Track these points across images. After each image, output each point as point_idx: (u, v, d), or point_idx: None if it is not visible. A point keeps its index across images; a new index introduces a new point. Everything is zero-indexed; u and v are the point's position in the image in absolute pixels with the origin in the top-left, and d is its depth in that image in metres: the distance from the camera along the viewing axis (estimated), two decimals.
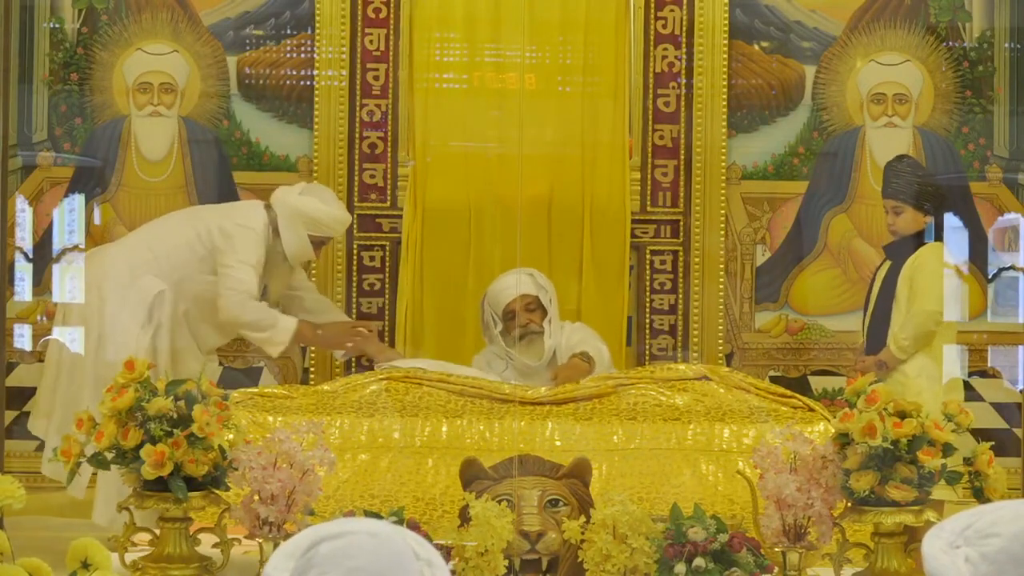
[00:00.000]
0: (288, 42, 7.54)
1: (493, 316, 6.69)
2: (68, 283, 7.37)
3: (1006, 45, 7.54)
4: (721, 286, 7.46)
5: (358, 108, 7.43)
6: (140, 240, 6.68)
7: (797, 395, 6.21)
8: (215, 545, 5.07)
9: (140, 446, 4.92)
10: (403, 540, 2.38)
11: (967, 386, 7.45)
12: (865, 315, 6.66)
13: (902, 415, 4.95)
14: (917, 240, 6.54)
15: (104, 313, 6.44)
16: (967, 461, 5.15)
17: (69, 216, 7.50)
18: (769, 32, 7.59)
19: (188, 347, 6.55)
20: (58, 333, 6.65)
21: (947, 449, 4.98)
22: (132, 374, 5.04)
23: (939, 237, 6.89)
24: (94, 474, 5.79)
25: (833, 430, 5.12)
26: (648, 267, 7.46)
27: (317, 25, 7.44)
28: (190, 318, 6.52)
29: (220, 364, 7.03)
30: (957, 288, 7.52)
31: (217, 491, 5.08)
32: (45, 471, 6.17)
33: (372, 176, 7.44)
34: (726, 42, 7.45)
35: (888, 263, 6.60)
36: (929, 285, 6.43)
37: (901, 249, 6.54)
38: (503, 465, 5.27)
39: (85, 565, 4.85)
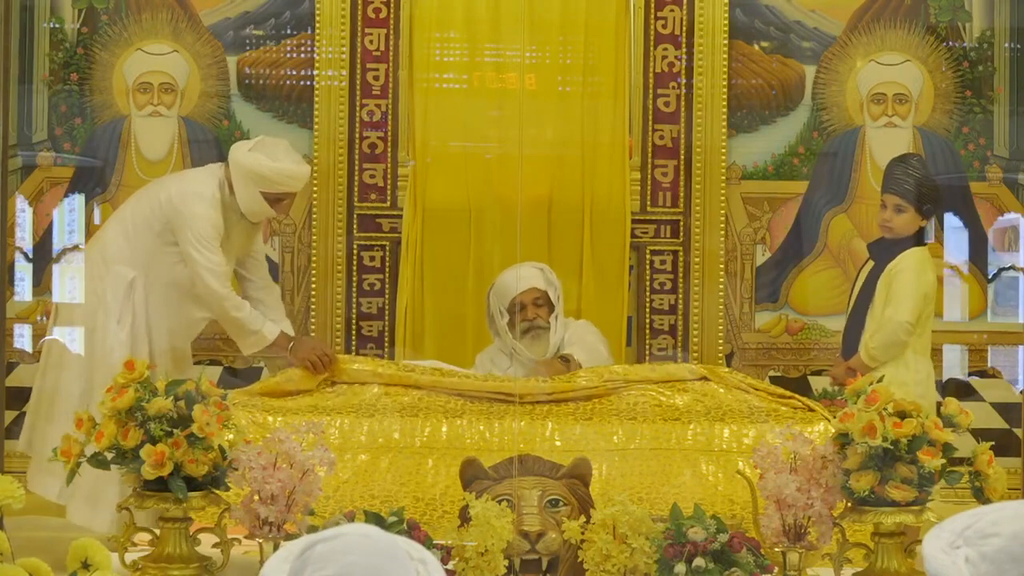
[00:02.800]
0: (288, 42, 7.55)
1: (500, 308, 6.66)
2: (68, 283, 7.37)
3: (1006, 45, 7.54)
4: (721, 286, 7.46)
5: (358, 108, 7.43)
6: (113, 228, 6.51)
7: (796, 396, 6.20)
8: (215, 545, 5.07)
9: (140, 446, 4.92)
10: (395, 542, 2.41)
11: (968, 388, 7.46)
12: (847, 315, 6.62)
13: (902, 415, 4.95)
14: (905, 242, 6.45)
15: (85, 312, 6.38)
16: (967, 462, 5.15)
17: (69, 216, 7.50)
18: (769, 32, 7.59)
19: (170, 335, 6.47)
20: (57, 334, 6.64)
21: (947, 449, 4.98)
22: (132, 374, 5.04)
23: (936, 239, 6.88)
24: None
25: (833, 430, 5.12)
26: (648, 267, 7.46)
27: (317, 25, 7.44)
28: (167, 301, 6.37)
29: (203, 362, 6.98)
30: (957, 288, 7.52)
31: (217, 491, 5.08)
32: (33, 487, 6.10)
33: (372, 176, 7.45)
34: (726, 42, 7.45)
35: (872, 263, 6.52)
36: (903, 294, 6.31)
37: (887, 250, 6.45)
38: (503, 465, 5.27)
39: (85, 565, 4.86)
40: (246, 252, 6.56)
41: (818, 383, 7.46)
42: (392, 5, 7.42)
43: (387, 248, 7.45)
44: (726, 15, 7.44)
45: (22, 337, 7.42)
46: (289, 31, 7.54)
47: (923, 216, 6.43)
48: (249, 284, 6.60)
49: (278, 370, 6.46)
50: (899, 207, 6.39)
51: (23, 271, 7.44)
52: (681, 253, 7.47)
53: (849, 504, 5.04)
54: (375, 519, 5.02)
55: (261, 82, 7.54)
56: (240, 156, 6.40)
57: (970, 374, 7.51)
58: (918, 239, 6.45)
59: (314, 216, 7.43)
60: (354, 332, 7.40)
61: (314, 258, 7.43)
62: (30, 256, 7.46)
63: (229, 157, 6.45)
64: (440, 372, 6.25)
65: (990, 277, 7.56)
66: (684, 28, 7.43)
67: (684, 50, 7.44)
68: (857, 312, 6.45)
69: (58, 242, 7.47)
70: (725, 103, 7.45)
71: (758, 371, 7.43)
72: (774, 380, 7.27)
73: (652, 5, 7.42)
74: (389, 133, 7.44)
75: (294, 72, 7.53)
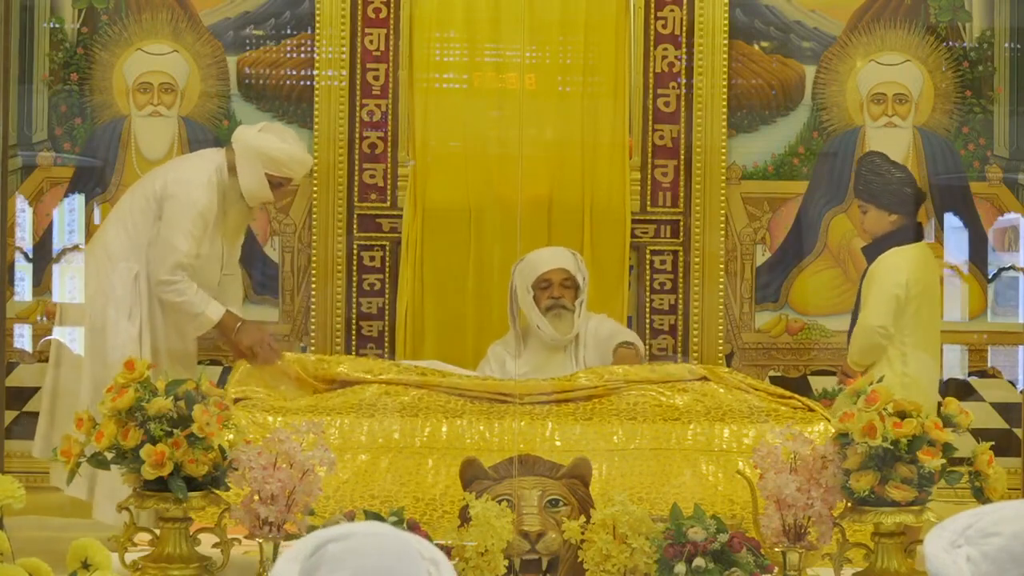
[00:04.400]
0: (288, 42, 7.55)
1: (526, 284, 6.65)
2: (68, 283, 7.37)
3: (1006, 45, 7.54)
4: (721, 286, 7.46)
5: (358, 108, 7.43)
6: (113, 224, 6.56)
7: (796, 396, 6.20)
8: (215, 545, 5.07)
9: (140, 446, 4.92)
10: (407, 541, 2.40)
11: (968, 388, 7.46)
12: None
13: (902, 415, 4.95)
14: (889, 241, 6.44)
15: (92, 311, 6.38)
16: (967, 462, 5.15)
17: (69, 216, 7.50)
18: (769, 32, 7.59)
19: (173, 329, 6.46)
20: (57, 334, 6.64)
21: (947, 449, 4.98)
22: (132, 374, 5.04)
23: (937, 239, 6.87)
24: None
25: (833, 430, 5.12)
26: (648, 267, 7.46)
27: (317, 25, 7.44)
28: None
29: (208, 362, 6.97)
30: (957, 288, 7.52)
31: (217, 491, 5.08)
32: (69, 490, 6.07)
33: (372, 176, 7.44)
34: (726, 42, 7.45)
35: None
36: (875, 298, 6.31)
37: (874, 252, 6.47)
38: (503, 465, 5.27)
39: (85, 565, 4.85)
40: (237, 237, 6.60)
41: (818, 383, 7.46)
42: (392, 5, 7.42)
43: (387, 248, 7.45)
44: (726, 15, 7.44)
45: (22, 337, 7.42)
46: (289, 31, 7.54)
47: (889, 212, 6.43)
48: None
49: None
50: (861, 207, 6.47)
51: (23, 271, 7.44)
52: (681, 253, 7.47)
53: (849, 504, 5.04)
54: (375, 519, 5.02)
55: (261, 82, 7.54)
56: (250, 137, 6.52)
57: (970, 374, 7.51)
58: (916, 236, 6.47)
59: (314, 216, 7.43)
60: (354, 332, 7.40)
61: (314, 258, 7.43)
62: (30, 256, 7.46)
63: (234, 139, 6.56)
64: (440, 374, 6.25)
65: (990, 277, 7.56)
66: (684, 28, 7.43)
67: (684, 50, 7.44)
68: (855, 315, 6.49)
69: (58, 242, 7.47)
70: (725, 103, 7.45)
71: (758, 371, 7.43)
72: (774, 380, 7.27)
73: (652, 5, 7.42)
74: (389, 133, 7.44)
75: (294, 72, 7.53)
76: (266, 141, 6.49)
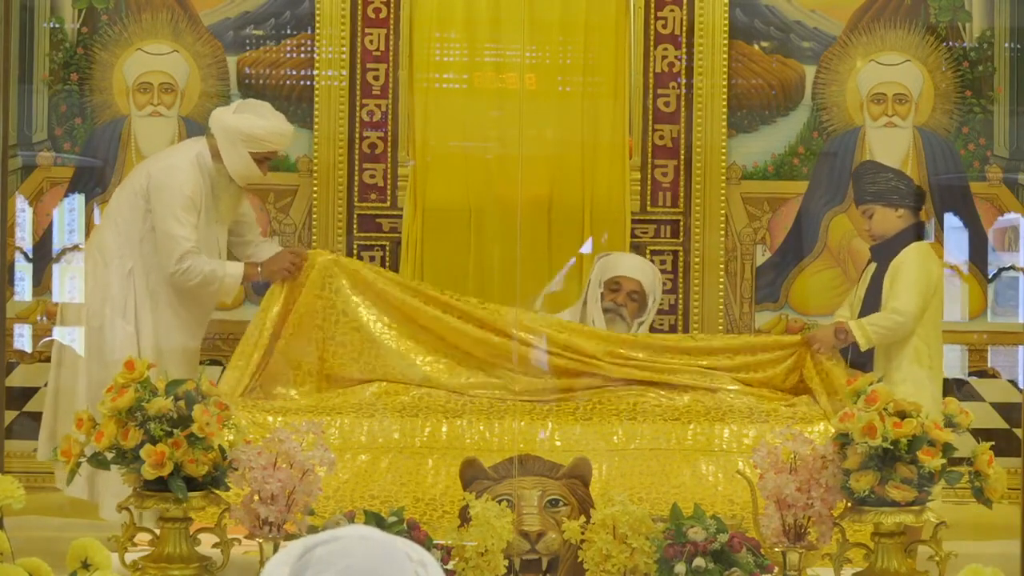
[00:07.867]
0: (288, 42, 7.54)
1: (600, 278, 6.61)
2: (68, 283, 7.37)
3: (1006, 45, 7.54)
4: (721, 286, 7.46)
5: (358, 108, 7.43)
6: (105, 223, 6.56)
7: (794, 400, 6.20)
8: (215, 545, 5.08)
9: (140, 446, 4.93)
10: (394, 543, 2.40)
11: (970, 388, 7.45)
12: (850, 316, 6.61)
13: (902, 415, 4.95)
14: (903, 237, 6.45)
15: (90, 310, 6.38)
16: (967, 462, 5.15)
17: (69, 216, 7.50)
18: (769, 32, 7.59)
19: (173, 327, 6.45)
20: (57, 334, 6.63)
21: (947, 449, 4.98)
22: (132, 374, 5.04)
23: (936, 238, 6.87)
24: None
25: (833, 430, 5.12)
26: None
27: (317, 25, 7.44)
28: (164, 288, 6.39)
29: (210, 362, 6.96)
30: (957, 288, 7.52)
31: (217, 491, 5.08)
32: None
33: (372, 176, 7.44)
34: (726, 42, 7.45)
35: (874, 265, 6.54)
36: (906, 284, 6.32)
37: (887, 250, 6.46)
38: (503, 465, 5.27)
39: (85, 565, 4.86)
40: (234, 217, 6.59)
41: None
42: (392, 5, 7.41)
43: (387, 248, 7.45)
44: (726, 15, 7.44)
45: (22, 337, 7.42)
46: (289, 31, 7.54)
47: (895, 207, 6.43)
48: (246, 245, 6.65)
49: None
50: (867, 211, 6.46)
51: (23, 271, 7.44)
52: (681, 253, 7.46)
53: (849, 504, 5.04)
54: (375, 519, 5.02)
55: (261, 82, 7.53)
56: (227, 119, 6.46)
57: (970, 374, 7.50)
58: (918, 235, 6.47)
59: (314, 216, 7.43)
60: None
61: None
62: (30, 256, 7.46)
63: (211, 124, 6.49)
64: (439, 296, 6.28)
65: (990, 277, 7.56)
66: (684, 28, 7.43)
67: (684, 50, 7.43)
68: (864, 314, 6.45)
69: (58, 242, 7.47)
70: (725, 103, 7.45)
71: None
72: None
73: (652, 5, 7.42)
74: (389, 133, 7.44)
75: (294, 72, 7.53)
76: (244, 121, 6.43)
